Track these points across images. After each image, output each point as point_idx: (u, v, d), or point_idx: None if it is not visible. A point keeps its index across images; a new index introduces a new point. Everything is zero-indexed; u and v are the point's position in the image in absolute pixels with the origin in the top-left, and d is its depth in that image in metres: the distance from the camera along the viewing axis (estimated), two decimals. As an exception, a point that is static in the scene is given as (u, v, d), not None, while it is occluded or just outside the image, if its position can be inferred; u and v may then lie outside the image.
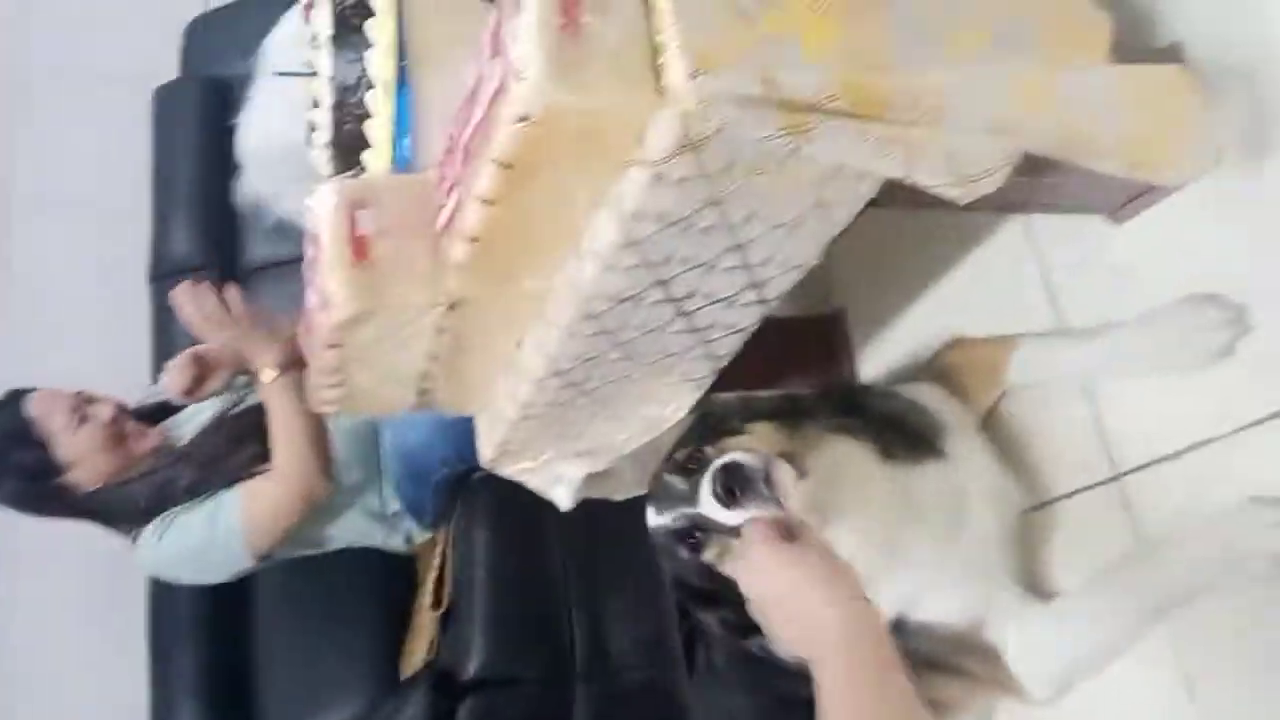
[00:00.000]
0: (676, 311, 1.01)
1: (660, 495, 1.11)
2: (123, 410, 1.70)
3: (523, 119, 0.72)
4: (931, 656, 1.10)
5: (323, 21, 1.07)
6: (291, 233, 1.78)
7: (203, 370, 1.68)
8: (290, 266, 1.72)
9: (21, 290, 2.42)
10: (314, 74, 1.12)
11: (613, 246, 0.85)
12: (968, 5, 0.86)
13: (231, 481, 1.61)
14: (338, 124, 1.05)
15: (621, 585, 1.75)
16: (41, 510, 1.67)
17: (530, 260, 0.92)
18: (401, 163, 1.01)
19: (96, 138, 2.46)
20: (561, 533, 1.73)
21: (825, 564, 0.84)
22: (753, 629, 0.89)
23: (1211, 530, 1.05)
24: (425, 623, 1.81)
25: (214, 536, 1.59)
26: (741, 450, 1.01)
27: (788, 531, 0.88)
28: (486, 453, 1.27)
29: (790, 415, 1.10)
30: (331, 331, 0.94)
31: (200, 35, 2.52)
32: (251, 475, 1.61)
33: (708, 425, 1.13)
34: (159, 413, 1.81)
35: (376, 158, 1.02)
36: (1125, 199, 1.14)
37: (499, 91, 0.73)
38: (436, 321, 0.97)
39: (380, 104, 1.00)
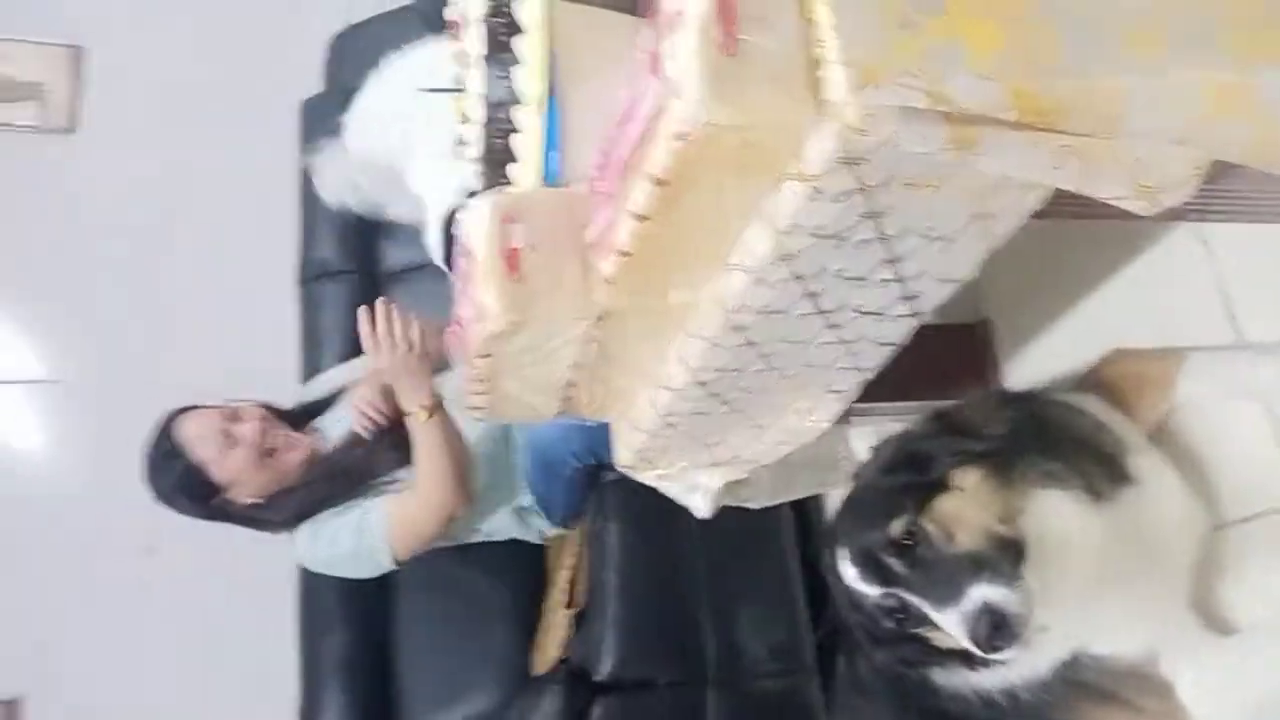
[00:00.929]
0: (825, 324, 0.99)
1: (868, 565, 1.05)
2: (269, 417, 1.79)
3: (681, 137, 0.72)
4: (1103, 690, 1.05)
5: (474, 40, 1.09)
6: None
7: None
8: (423, 271, 1.79)
9: (181, 292, 2.58)
10: (460, 90, 1.16)
11: (764, 260, 0.84)
12: (1142, 3, 0.81)
13: (375, 487, 1.70)
14: (488, 139, 1.08)
15: (754, 591, 1.75)
16: (214, 519, 1.79)
17: (678, 273, 0.92)
18: (550, 177, 1.02)
19: (248, 149, 2.59)
20: (694, 536, 1.74)
21: None
22: (929, 663, 0.87)
23: None
24: (558, 620, 1.85)
25: (360, 545, 1.71)
26: (991, 583, 0.94)
27: None
28: (624, 459, 1.28)
29: (992, 456, 1.04)
30: (484, 342, 0.97)
31: (344, 49, 2.63)
32: (393, 480, 1.69)
33: (912, 466, 1.07)
34: (306, 414, 1.90)
35: (525, 172, 1.04)
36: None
37: (657, 110, 0.73)
38: (584, 333, 0.99)
39: (529, 120, 1.02)
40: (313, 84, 2.55)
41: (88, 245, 2.55)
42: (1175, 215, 1.09)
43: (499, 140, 1.06)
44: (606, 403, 1.23)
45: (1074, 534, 1.04)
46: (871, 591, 1.04)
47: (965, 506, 1.01)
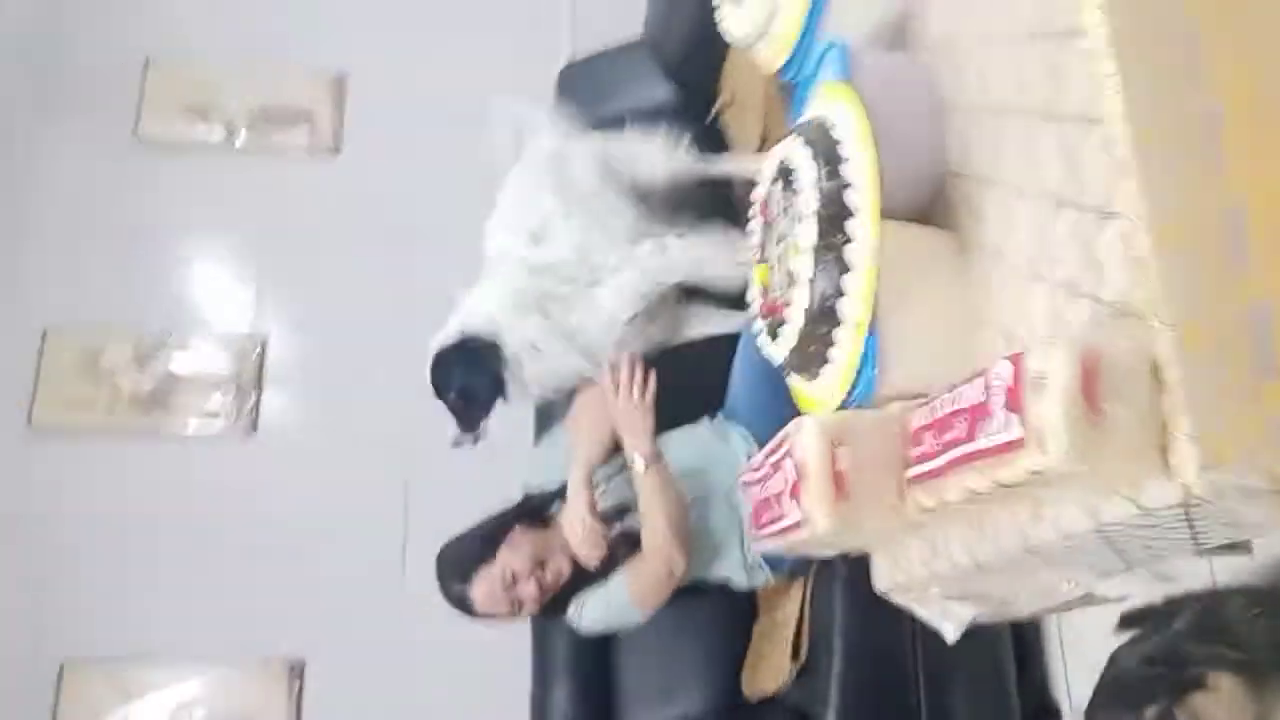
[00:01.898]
0: (1105, 541, 1.11)
1: None
2: (535, 557, 1.97)
3: (1036, 472, 0.85)
4: None
5: (807, 232, 1.19)
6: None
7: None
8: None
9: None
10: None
11: (1079, 530, 0.97)
12: None
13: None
14: (803, 338, 1.21)
15: (965, 660, 1.90)
16: None
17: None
18: (863, 393, 1.16)
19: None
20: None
21: None
22: None
23: None
24: (777, 663, 2.06)
25: (611, 613, 1.99)
26: None
27: None
28: (881, 585, 1.45)
29: (1249, 667, 1.14)
30: (805, 542, 1.14)
31: (570, 82, 2.81)
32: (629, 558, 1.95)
33: (1171, 661, 1.18)
34: (541, 509, 2.10)
35: (832, 388, 1.18)
36: None
37: (1015, 443, 0.86)
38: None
39: (849, 340, 1.16)
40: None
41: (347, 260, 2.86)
42: None
43: (815, 348, 1.19)
44: (873, 546, 1.40)
45: None
46: None
47: (1217, 709, 1.13)
